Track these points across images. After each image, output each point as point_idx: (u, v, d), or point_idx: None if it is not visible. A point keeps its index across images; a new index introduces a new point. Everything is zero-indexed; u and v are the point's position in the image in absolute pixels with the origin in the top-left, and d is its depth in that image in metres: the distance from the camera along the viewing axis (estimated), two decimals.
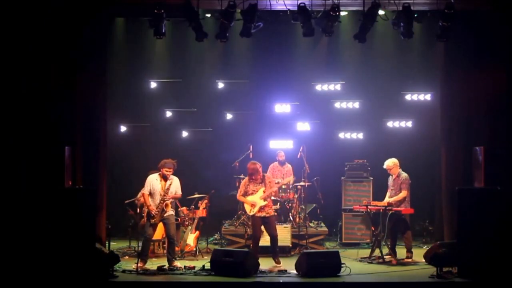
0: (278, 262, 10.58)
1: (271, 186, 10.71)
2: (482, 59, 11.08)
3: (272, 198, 11.13)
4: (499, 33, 10.80)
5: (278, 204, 12.02)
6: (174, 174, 10.51)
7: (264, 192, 10.59)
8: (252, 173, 10.70)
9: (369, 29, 10.48)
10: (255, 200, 10.58)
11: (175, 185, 10.47)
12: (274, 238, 10.63)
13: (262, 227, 10.67)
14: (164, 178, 10.41)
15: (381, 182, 11.89)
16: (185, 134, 14.17)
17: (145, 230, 10.48)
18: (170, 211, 10.48)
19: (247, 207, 10.74)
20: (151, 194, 10.40)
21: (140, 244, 10.63)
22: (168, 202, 10.38)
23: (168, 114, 14.15)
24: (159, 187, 10.38)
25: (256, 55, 14.03)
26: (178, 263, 10.42)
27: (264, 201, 10.56)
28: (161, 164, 10.44)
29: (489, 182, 10.37)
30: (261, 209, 10.57)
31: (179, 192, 10.58)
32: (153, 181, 10.43)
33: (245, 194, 10.72)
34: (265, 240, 10.81)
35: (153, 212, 10.27)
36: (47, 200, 9.44)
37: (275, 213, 11.18)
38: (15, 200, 9.56)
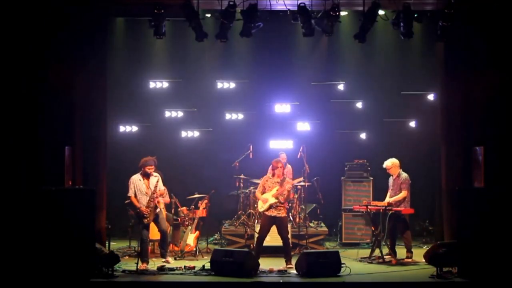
0: (290, 265, 10.37)
1: (285, 187, 10.59)
2: (482, 59, 11.08)
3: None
4: (499, 33, 10.80)
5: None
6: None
7: (277, 190, 10.54)
8: (274, 169, 10.67)
9: (369, 29, 10.48)
10: (267, 197, 10.56)
11: (160, 181, 10.52)
12: (286, 240, 10.53)
13: (271, 232, 10.57)
14: (147, 176, 10.41)
15: (381, 182, 11.90)
16: (185, 134, 14.18)
17: (140, 232, 10.47)
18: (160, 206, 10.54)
19: (259, 204, 10.73)
20: (136, 195, 10.40)
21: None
22: (159, 198, 10.38)
23: (168, 114, 14.16)
24: (144, 186, 10.39)
25: (256, 55, 14.04)
26: (170, 258, 10.45)
27: (275, 198, 10.48)
28: (142, 163, 10.46)
29: (489, 182, 10.38)
30: (272, 207, 10.49)
31: (162, 188, 10.62)
32: (137, 181, 10.44)
33: (263, 192, 10.67)
34: (265, 241, 10.78)
35: (145, 213, 10.26)
36: (47, 200, 9.43)
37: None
38: (15, 200, 9.56)
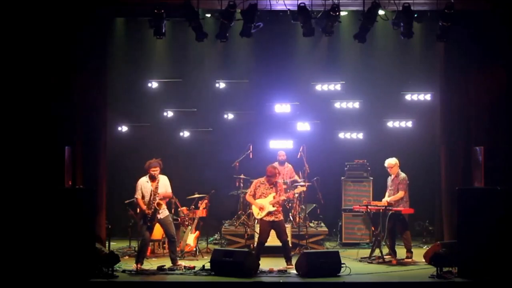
0: (291, 265, 10.37)
1: (282, 193, 10.62)
2: (482, 59, 11.09)
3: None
4: (499, 33, 10.81)
5: None
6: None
7: (274, 197, 10.52)
8: (270, 176, 10.54)
9: (369, 29, 10.49)
10: (264, 204, 10.49)
11: (163, 184, 10.41)
12: (285, 243, 10.52)
13: (271, 232, 10.55)
14: (152, 178, 10.37)
15: (381, 182, 11.89)
16: (185, 134, 14.17)
17: (142, 233, 10.42)
18: (165, 211, 10.45)
19: (255, 210, 10.66)
20: (143, 197, 10.36)
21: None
22: (160, 201, 10.34)
23: (168, 114, 14.16)
24: (150, 188, 10.35)
25: (256, 55, 14.04)
26: (183, 262, 10.42)
27: (273, 206, 10.45)
28: (147, 165, 10.40)
29: (489, 182, 10.38)
30: (270, 213, 10.48)
31: (169, 191, 10.51)
32: (144, 183, 10.37)
33: (254, 195, 10.63)
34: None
35: (149, 215, 10.22)
36: (47, 200, 9.43)
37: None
38: (15, 200, 9.55)
